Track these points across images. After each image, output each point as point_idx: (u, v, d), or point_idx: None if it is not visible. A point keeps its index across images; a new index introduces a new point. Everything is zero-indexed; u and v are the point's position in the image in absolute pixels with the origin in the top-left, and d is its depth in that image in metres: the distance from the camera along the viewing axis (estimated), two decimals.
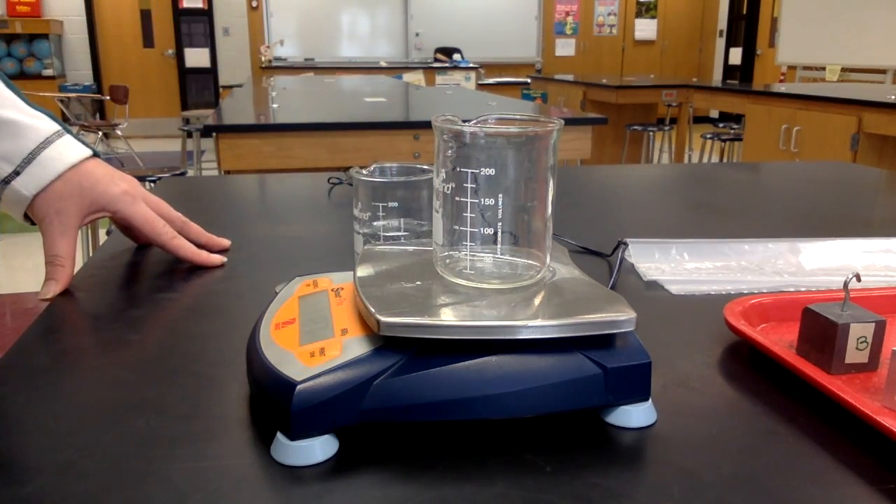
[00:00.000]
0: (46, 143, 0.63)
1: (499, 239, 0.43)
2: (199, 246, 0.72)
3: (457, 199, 0.43)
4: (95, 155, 0.67)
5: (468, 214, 0.43)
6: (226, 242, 0.75)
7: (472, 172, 0.42)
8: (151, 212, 0.70)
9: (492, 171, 0.42)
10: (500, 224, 0.43)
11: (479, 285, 0.44)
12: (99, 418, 0.43)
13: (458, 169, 0.42)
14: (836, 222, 0.92)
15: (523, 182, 0.43)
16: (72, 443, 0.40)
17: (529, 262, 0.44)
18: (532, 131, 0.44)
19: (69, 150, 0.64)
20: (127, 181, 0.69)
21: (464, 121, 0.43)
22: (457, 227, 0.43)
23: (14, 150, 0.61)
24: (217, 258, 0.71)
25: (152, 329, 0.56)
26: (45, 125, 0.64)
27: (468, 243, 0.43)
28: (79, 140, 0.66)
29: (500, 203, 0.42)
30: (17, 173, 0.61)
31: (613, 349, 0.41)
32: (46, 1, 8.04)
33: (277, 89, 4.01)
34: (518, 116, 0.46)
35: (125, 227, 0.74)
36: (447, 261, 0.45)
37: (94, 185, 0.65)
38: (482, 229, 0.43)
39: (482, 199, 0.42)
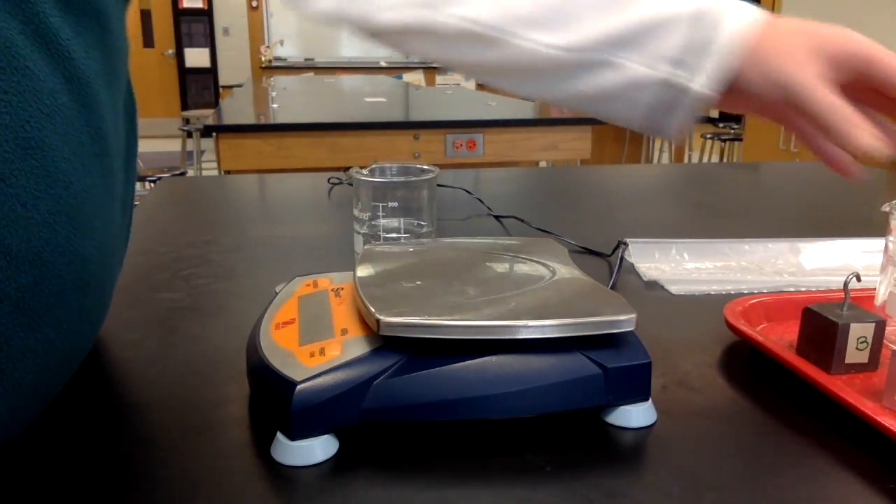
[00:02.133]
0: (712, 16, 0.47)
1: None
2: None
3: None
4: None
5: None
6: None
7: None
8: None
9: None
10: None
11: None
12: (99, 418, 0.43)
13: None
14: (836, 222, 0.92)
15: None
16: (73, 443, 0.40)
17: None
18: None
19: (735, 18, 0.47)
20: None
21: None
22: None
23: (671, 41, 0.48)
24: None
25: (152, 329, 0.56)
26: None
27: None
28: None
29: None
30: (691, 70, 0.47)
31: (613, 349, 0.41)
32: None
33: (277, 89, 4.01)
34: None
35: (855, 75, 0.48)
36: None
37: (817, 28, 0.48)
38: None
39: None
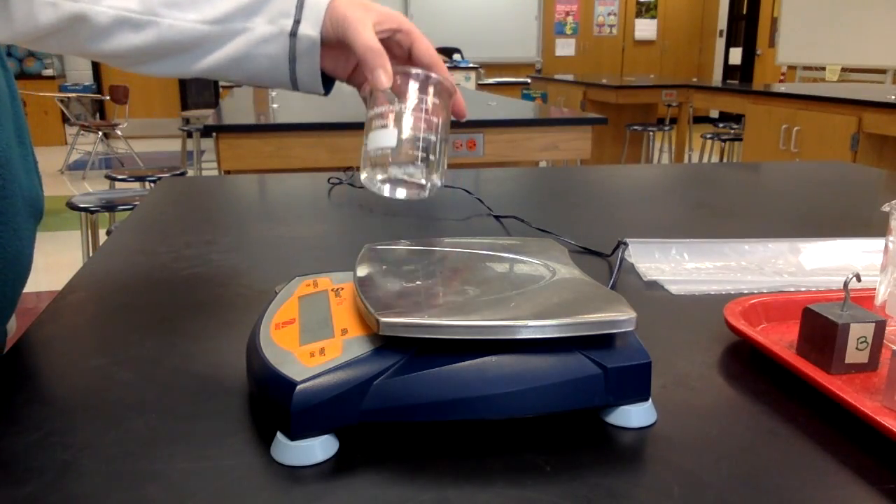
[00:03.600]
0: None
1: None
2: None
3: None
4: None
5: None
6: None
7: None
8: None
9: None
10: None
11: None
12: (99, 418, 0.43)
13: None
14: (836, 222, 0.92)
15: None
16: (72, 443, 0.40)
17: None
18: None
19: None
20: None
21: None
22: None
23: (285, 4, 0.62)
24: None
25: (152, 329, 0.56)
26: None
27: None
28: None
29: None
30: (297, 21, 0.61)
31: (613, 349, 0.41)
32: None
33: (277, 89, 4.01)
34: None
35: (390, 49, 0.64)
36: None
37: (371, 1, 0.63)
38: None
39: None
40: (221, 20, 0.61)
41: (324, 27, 0.61)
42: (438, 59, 0.63)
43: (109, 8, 0.59)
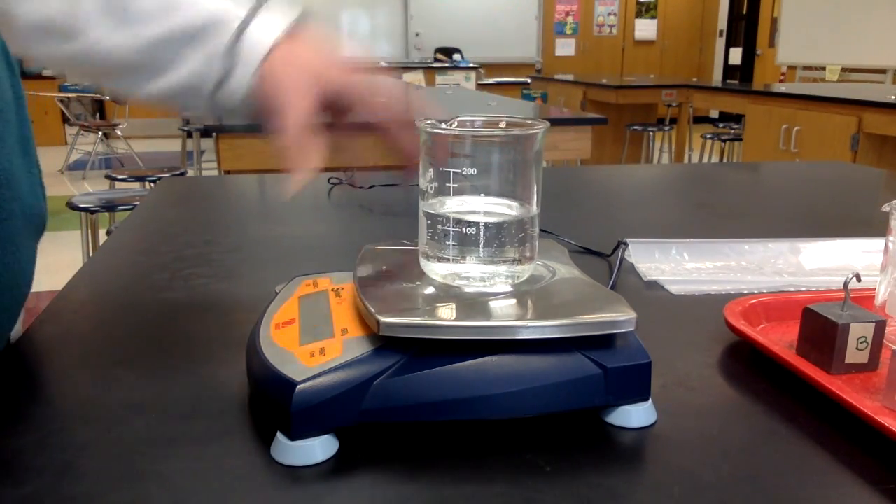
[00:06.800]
0: (244, 24, 0.52)
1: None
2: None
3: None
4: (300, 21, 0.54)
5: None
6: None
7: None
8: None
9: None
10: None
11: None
12: (99, 418, 0.43)
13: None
14: (836, 222, 0.92)
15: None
16: (72, 443, 0.40)
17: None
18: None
19: (268, 29, 0.53)
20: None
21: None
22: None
23: (214, 49, 0.52)
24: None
25: (153, 329, 0.56)
26: (236, 9, 0.53)
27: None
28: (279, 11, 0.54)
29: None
30: (227, 70, 0.52)
31: (613, 349, 0.41)
32: None
33: None
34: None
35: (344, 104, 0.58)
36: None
37: (327, 56, 0.54)
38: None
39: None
40: (146, 49, 0.52)
41: (256, 84, 0.52)
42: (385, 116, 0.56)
43: (33, 10, 0.52)
